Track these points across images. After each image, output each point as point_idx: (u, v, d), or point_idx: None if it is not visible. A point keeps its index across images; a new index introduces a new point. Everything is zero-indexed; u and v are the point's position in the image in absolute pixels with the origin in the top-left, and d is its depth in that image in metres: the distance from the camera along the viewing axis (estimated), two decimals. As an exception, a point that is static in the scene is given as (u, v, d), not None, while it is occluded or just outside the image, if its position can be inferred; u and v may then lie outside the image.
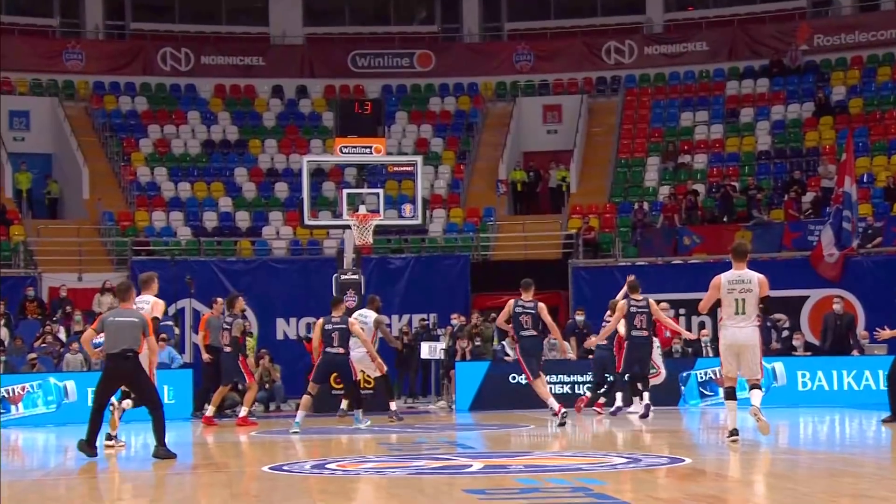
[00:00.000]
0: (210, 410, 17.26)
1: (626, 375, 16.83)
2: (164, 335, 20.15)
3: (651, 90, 32.97)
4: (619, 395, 16.86)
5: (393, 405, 16.78)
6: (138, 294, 12.89)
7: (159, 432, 11.71)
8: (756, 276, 11.70)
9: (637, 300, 16.51)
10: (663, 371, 17.62)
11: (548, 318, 15.58)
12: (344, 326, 15.20)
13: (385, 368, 16.66)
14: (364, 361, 16.31)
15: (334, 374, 15.93)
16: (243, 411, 17.27)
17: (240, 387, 18.50)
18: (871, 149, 28.77)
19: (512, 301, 15.36)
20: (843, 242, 23.52)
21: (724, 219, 26.87)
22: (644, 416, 16.27)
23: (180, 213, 29.23)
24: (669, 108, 32.20)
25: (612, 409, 16.77)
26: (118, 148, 30.66)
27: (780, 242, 25.26)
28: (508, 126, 31.96)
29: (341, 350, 15.18)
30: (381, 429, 15.56)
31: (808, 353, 20.25)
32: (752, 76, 32.29)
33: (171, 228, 28.68)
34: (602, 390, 17.62)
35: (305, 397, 15.33)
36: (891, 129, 29.08)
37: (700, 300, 12.23)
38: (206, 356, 18.98)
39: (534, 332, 15.25)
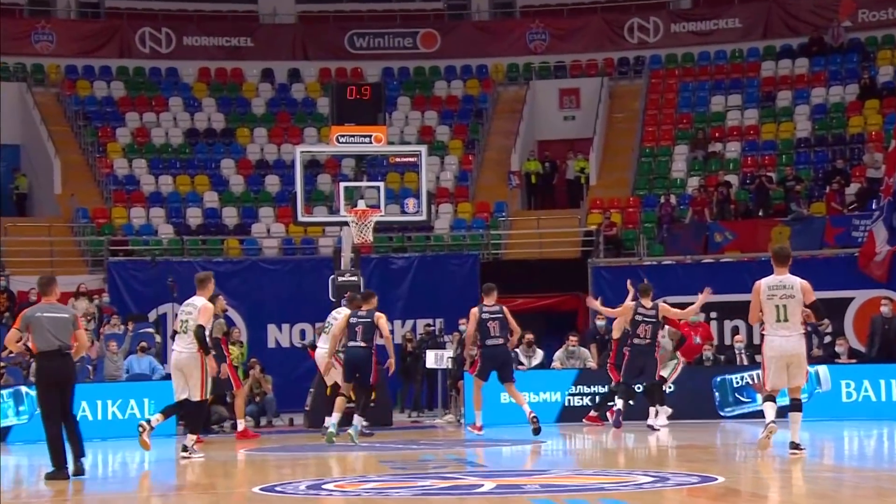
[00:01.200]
0: (240, 424, 17.24)
1: (638, 384, 17.11)
2: (143, 343, 20.21)
3: (678, 72, 32.93)
4: (619, 402, 16.92)
5: (356, 419, 16.80)
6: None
7: (78, 445, 11.68)
8: (799, 282, 12.06)
9: (646, 307, 16.72)
10: (682, 361, 17.96)
11: (513, 323, 16.39)
12: (369, 320, 15.56)
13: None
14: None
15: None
16: (241, 424, 17.26)
17: (227, 399, 18.50)
18: (921, 135, 28.71)
19: (476, 309, 16.33)
20: None
21: (760, 213, 26.83)
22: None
23: (161, 210, 29.25)
24: (699, 92, 32.17)
25: (613, 420, 16.83)
26: (93, 138, 30.69)
27: (821, 239, 25.20)
28: (521, 112, 31.94)
29: (363, 344, 15.54)
30: (370, 445, 15.55)
31: (853, 361, 20.19)
32: (789, 56, 32.23)
33: (151, 226, 28.70)
34: (617, 400, 17.68)
35: (339, 399, 15.86)
36: (944, 114, 29.01)
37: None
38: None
39: (501, 340, 16.20)
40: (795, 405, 12.20)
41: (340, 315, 16.76)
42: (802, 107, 30.71)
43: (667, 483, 10.20)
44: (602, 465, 12.72)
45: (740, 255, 24.84)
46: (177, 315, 14.55)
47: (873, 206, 25.61)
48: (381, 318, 15.70)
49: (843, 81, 31.04)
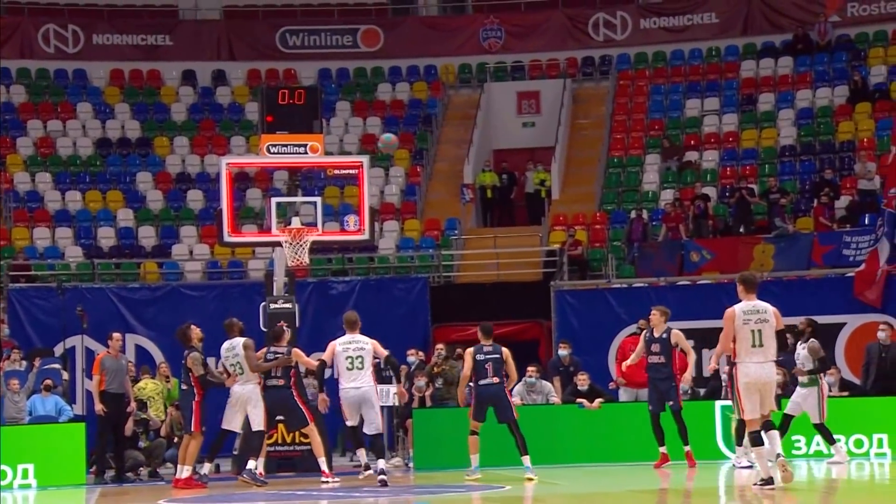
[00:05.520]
0: (186, 470, 16.97)
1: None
2: (48, 381, 19.99)
3: (649, 72, 33.16)
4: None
5: (252, 463, 16.80)
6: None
7: None
8: (771, 308, 13.20)
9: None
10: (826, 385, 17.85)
11: (304, 359, 17.23)
12: (498, 356, 16.69)
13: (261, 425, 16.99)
14: (250, 403, 16.91)
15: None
16: (186, 470, 17.01)
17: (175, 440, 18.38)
18: (917, 142, 29.05)
19: (263, 349, 17.31)
20: None
21: (740, 229, 27.02)
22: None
23: (69, 230, 29.05)
24: (671, 95, 32.40)
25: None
26: (-10, 149, 30.46)
27: (808, 258, 25.41)
28: (475, 118, 32.03)
29: (496, 380, 16.67)
30: (307, 492, 15.51)
31: (846, 393, 20.34)
32: (771, 54, 32.55)
33: (57, 248, 28.48)
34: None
35: (472, 438, 16.70)
36: (941, 118, 29.38)
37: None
38: (98, 406, 18.82)
39: (280, 382, 17.05)
40: (769, 425, 13.11)
41: (233, 348, 17.16)
42: (786, 111, 31.00)
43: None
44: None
45: (719, 276, 24.98)
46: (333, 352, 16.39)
47: (866, 222, 25.85)
48: (509, 356, 16.81)
49: (831, 83, 31.37)
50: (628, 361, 18.35)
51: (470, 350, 16.96)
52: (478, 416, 16.78)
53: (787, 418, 17.38)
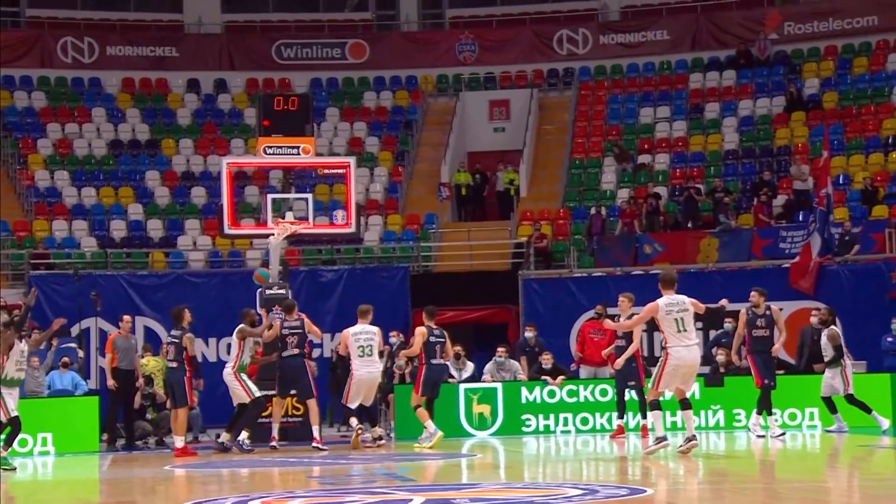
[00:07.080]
0: (179, 441, 17.04)
1: None
2: (66, 358, 19.94)
3: (607, 83, 33.19)
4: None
5: (245, 433, 16.88)
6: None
7: None
8: (687, 299, 14.06)
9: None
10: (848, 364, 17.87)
11: (313, 329, 17.71)
12: (444, 340, 17.30)
13: (254, 394, 17.07)
14: (228, 384, 17.11)
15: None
16: (179, 441, 17.04)
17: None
18: (846, 147, 29.18)
19: (279, 322, 17.55)
20: (833, 251, 23.67)
21: (689, 225, 27.09)
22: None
23: (84, 222, 28.93)
24: (627, 104, 32.44)
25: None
26: (13, 150, 30.29)
27: (748, 250, 25.50)
28: (451, 124, 32.01)
29: (443, 360, 17.45)
30: (298, 459, 15.50)
31: (782, 372, 20.41)
32: (717, 68, 32.62)
33: (73, 239, 28.36)
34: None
35: (420, 410, 17.12)
36: (868, 126, 29.51)
37: None
38: (110, 382, 18.78)
39: (295, 351, 17.37)
40: (687, 404, 13.95)
41: (234, 332, 17.23)
42: (730, 119, 31.07)
43: (596, 496, 10.23)
44: (533, 479, 12.74)
45: (669, 266, 25.01)
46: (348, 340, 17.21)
47: (800, 218, 25.95)
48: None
49: (770, 94, 31.47)
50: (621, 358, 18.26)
51: (423, 330, 17.19)
52: (426, 392, 17.15)
53: (827, 400, 17.66)
